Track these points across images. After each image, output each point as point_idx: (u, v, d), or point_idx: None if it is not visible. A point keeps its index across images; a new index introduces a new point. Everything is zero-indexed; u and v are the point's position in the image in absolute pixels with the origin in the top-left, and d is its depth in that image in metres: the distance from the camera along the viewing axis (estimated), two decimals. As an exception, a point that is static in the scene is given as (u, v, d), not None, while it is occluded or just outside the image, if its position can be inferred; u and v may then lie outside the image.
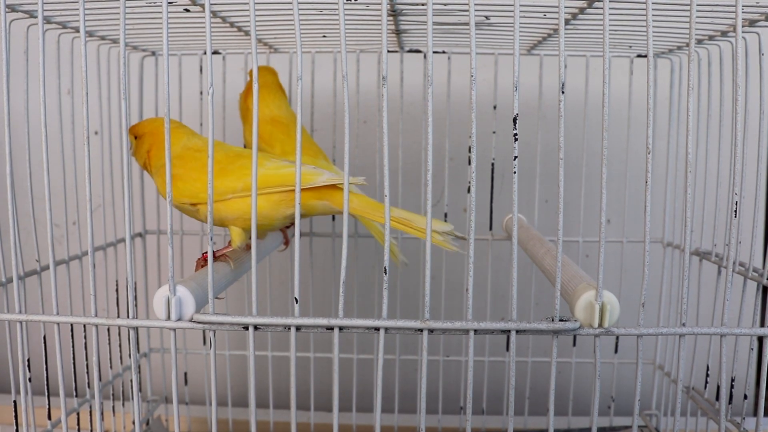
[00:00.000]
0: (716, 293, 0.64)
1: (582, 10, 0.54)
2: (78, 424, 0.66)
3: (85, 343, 0.61)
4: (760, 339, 0.63)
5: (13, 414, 0.54)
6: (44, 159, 0.46)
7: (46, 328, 0.56)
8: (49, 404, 0.56)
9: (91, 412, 0.63)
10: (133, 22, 0.59)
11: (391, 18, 0.59)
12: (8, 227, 0.50)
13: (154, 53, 0.76)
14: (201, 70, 0.79)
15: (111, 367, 0.72)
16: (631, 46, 0.71)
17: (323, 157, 0.72)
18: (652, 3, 0.41)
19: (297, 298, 0.45)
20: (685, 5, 0.48)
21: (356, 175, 0.77)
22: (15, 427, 0.53)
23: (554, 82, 0.78)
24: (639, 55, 0.75)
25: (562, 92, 0.42)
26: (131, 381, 0.48)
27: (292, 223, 0.72)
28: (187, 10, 0.54)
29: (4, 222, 0.69)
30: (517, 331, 0.45)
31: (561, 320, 0.44)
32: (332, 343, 0.45)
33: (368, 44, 0.72)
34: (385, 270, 0.44)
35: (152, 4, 0.52)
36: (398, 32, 0.66)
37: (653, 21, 0.54)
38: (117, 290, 0.75)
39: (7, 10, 0.46)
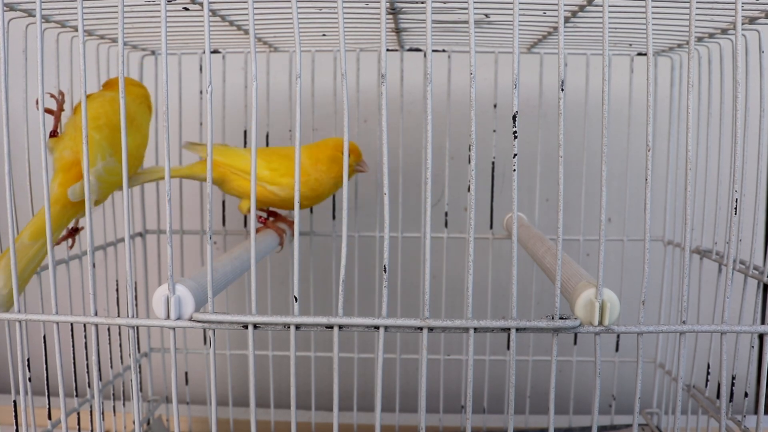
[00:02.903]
0: (717, 291, 0.63)
1: (582, 8, 0.54)
2: (78, 424, 0.66)
3: (85, 343, 0.61)
4: (761, 336, 0.63)
5: (13, 414, 0.54)
6: (43, 158, 0.46)
7: (45, 328, 0.56)
8: (49, 404, 0.56)
9: (91, 412, 0.63)
10: (133, 21, 0.59)
11: (390, 16, 0.59)
12: (7, 227, 0.50)
13: (153, 52, 0.76)
14: (201, 69, 0.79)
15: (111, 366, 0.72)
16: (631, 44, 0.71)
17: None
18: (652, 1, 0.41)
19: (296, 296, 0.45)
20: (685, 3, 0.48)
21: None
22: (15, 427, 0.53)
23: (555, 80, 0.78)
24: (639, 53, 0.75)
25: (562, 90, 0.42)
26: (131, 381, 0.48)
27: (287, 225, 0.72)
28: (186, 9, 0.54)
29: (4, 222, 0.69)
30: (518, 330, 0.44)
31: (561, 318, 0.44)
32: (332, 342, 0.45)
33: (368, 43, 0.72)
34: (385, 268, 0.44)
35: (151, 3, 0.52)
36: (398, 31, 0.66)
37: (653, 19, 0.54)
38: (117, 290, 0.75)
39: (5, 8, 0.46)
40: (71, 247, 0.66)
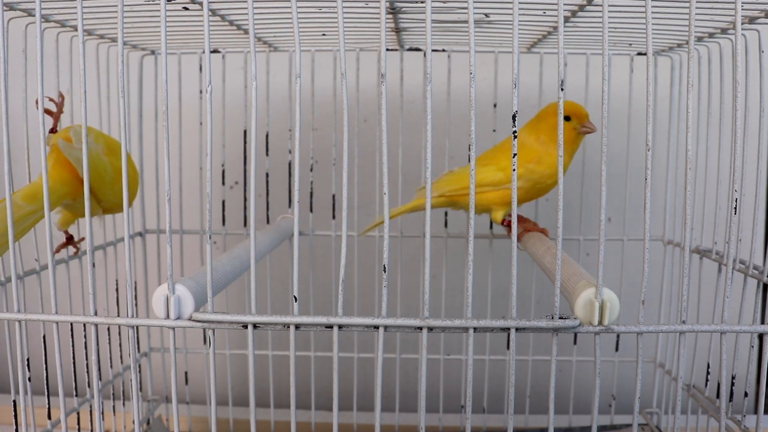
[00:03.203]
0: (716, 291, 0.63)
1: (581, 8, 0.54)
2: (78, 423, 0.66)
3: (85, 343, 0.61)
4: (761, 336, 0.63)
5: (13, 414, 0.54)
6: (42, 158, 0.45)
7: (45, 328, 0.56)
8: (48, 404, 0.56)
9: (91, 411, 0.63)
10: (132, 21, 0.59)
11: (390, 16, 0.59)
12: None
13: (153, 52, 0.76)
14: (200, 68, 0.79)
15: (111, 366, 0.72)
16: (631, 44, 0.71)
17: None
18: (652, 0, 0.41)
19: (296, 296, 0.45)
20: (685, 3, 0.48)
21: (354, 173, 0.78)
22: (15, 427, 0.53)
23: (554, 80, 0.78)
24: (639, 53, 0.75)
25: (562, 90, 0.42)
26: (131, 380, 0.48)
27: None
28: (186, 9, 0.54)
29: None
30: (517, 329, 0.44)
31: (561, 318, 0.44)
32: (332, 341, 0.45)
33: (368, 42, 0.72)
34: (385, 268, 0.44)
35: (151, 2, 0.52)
36: (398, 30, 0.66)
37: (653, 18, 0.54)
38: (117, 289, 0.75)
39: (5, 8, 0.46)
40: (76, 253, 0.66)
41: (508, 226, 0.68)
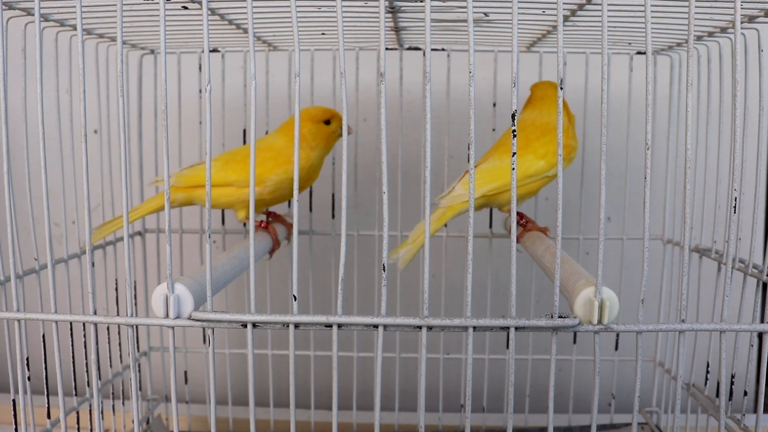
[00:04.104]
0: (716, 290, 0.63)
1: (581, 7, 0.54)
2: (78, 423, 0.66)
3: (85, 342, 0.61)
4: (760, 335, 0.63)
5: (13, 413, 0.54)
6: (42, 157, 0.45)
7: (45, 327, 0.56)
8: (48, 403, 0.56)
9: (90, 411, 0.63)
10: (132, 20, 0.59)
11: (389, 15, 0.59)
12: (6, 226, 0.50)
13: (152, 51, 0.76)
14: (200, 68, 0.78)
15: (111, 365, 0.72)
16: (630, 43, 0.71)
17: None
18: (651, -1, 0.41)
19: (295, 295, 0.45)
20: (684, 2, 0.48)
21: (353, 172, 0.78)
22: (14, 426, 0.53)
23: (554, 79, 0.78)
24: (639, 52, 0.75)
25: (561, 89, 0.42)
26: (131, 380, 0.48)
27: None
28: (185, 8, 0.54)
29: (3, 221, 0.69)
30: (517, 328, 0.44)
31: (560, 317, 0.44)
32: (332, 341, 0.45)
33: (367, 41, 0.72)
34: (384, 267, 0.44)
35: (150, 2, 0.52)
36: (397, 29, 0.66)
37: (652, 17, 0.54)
38: (116, 289, 0.75)
39: (4, 7, 0.46)
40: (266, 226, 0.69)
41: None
